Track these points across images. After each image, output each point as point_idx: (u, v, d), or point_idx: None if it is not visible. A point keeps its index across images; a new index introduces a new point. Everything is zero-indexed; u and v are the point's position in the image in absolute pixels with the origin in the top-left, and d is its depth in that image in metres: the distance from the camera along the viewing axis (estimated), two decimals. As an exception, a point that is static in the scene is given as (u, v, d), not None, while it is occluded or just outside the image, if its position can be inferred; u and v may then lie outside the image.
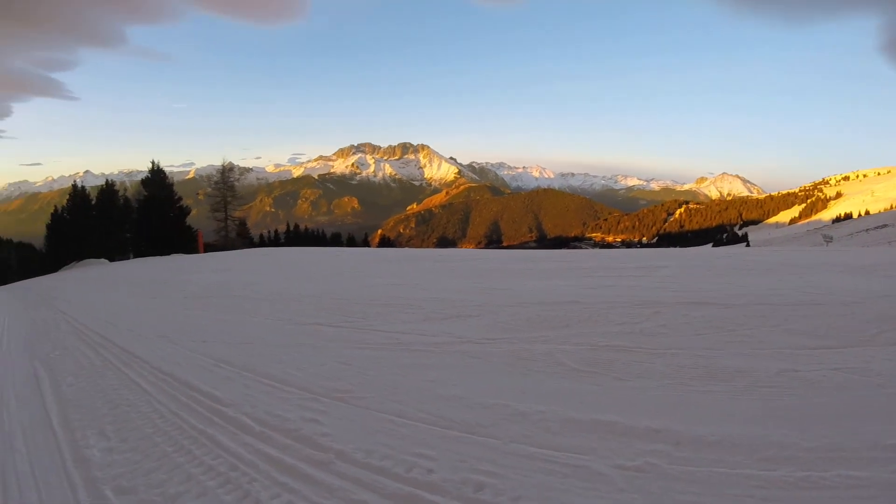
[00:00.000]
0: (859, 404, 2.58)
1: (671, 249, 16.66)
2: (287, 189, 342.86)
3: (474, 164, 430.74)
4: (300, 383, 3.45)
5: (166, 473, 2.47)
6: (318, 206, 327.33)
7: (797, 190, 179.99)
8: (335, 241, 48.12)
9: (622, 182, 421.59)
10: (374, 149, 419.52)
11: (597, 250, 14.47)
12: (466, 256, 11.05)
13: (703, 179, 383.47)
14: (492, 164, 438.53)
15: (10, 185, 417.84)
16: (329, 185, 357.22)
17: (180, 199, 29.31)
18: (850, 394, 2.72)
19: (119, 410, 3.55)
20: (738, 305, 4.96)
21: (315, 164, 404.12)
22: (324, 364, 3.70)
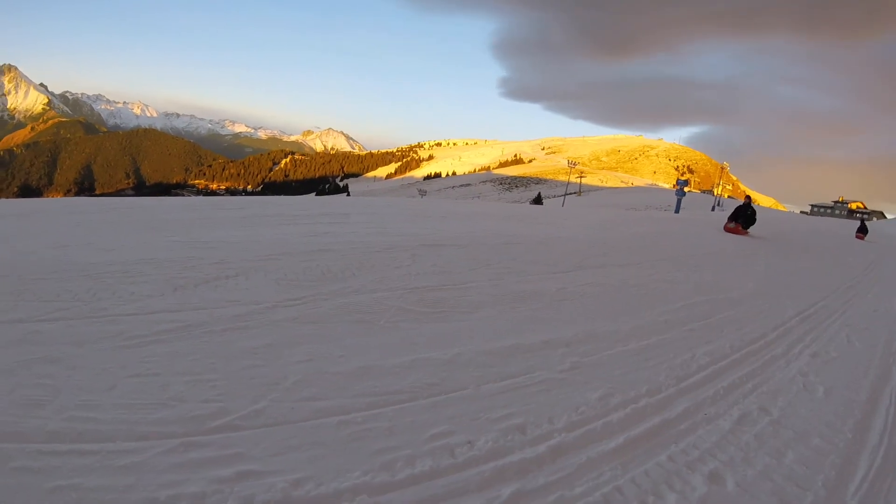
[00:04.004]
0: (616, 301, 4.27)
1: (299, 197, 18.53)
2: None
3: (68, 95, 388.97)
4: (126, 430, 2.07)
5: None
6: None
7: (395, 150, 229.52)
8: None
9: (230, 128, 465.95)
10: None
11: (247, 198, 14.27)
12: (98, 207, 8.59)
13: (309, 132, 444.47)
14: (88, 97, 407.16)
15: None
16: None
17: None
18: (605, 297, 4.47)
19: None
20: (465, 246, 6.48)
21: None
22: (114, 386, 2.40)
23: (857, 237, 20.85)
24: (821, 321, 4.95)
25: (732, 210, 13.50)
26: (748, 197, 13.85)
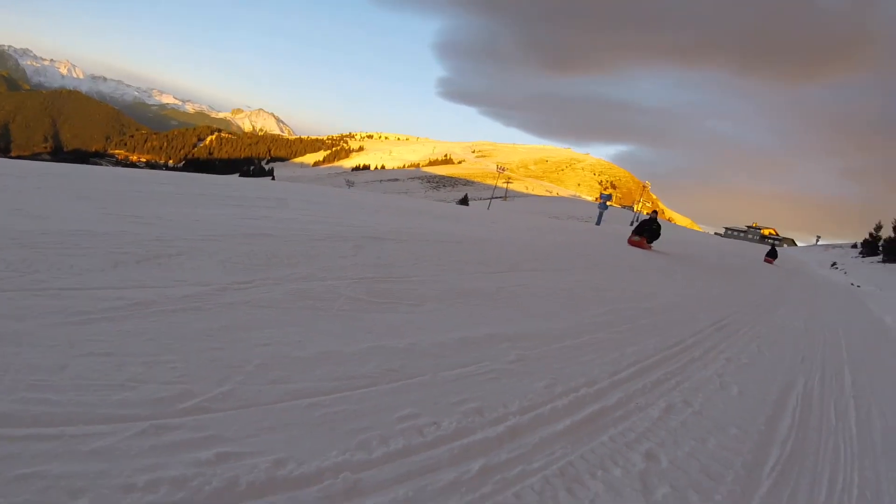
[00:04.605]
0: (550, 303, 4.63)
1: (228, 177, 17.81)
2: None
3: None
4: (87, 413, 1.96)
5: None
6: None
7: (325, 138, 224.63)
8: None
9: (157, 98, 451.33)
10: None
11: (167, 172, 13.40)
12: (21, 170, 7.82)
13: (239, 111, 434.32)
14: (15, 50, 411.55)
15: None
16: None
17: None
18: (539, 299, 4.80)
19: None
20: (405, 241, 6.69)
21: None
22: (66, 366, 2.25)
23: (766, 261, 22.36)
24: (733, 332, 5.67)
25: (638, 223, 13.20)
26: (654, 211, 13.60)
